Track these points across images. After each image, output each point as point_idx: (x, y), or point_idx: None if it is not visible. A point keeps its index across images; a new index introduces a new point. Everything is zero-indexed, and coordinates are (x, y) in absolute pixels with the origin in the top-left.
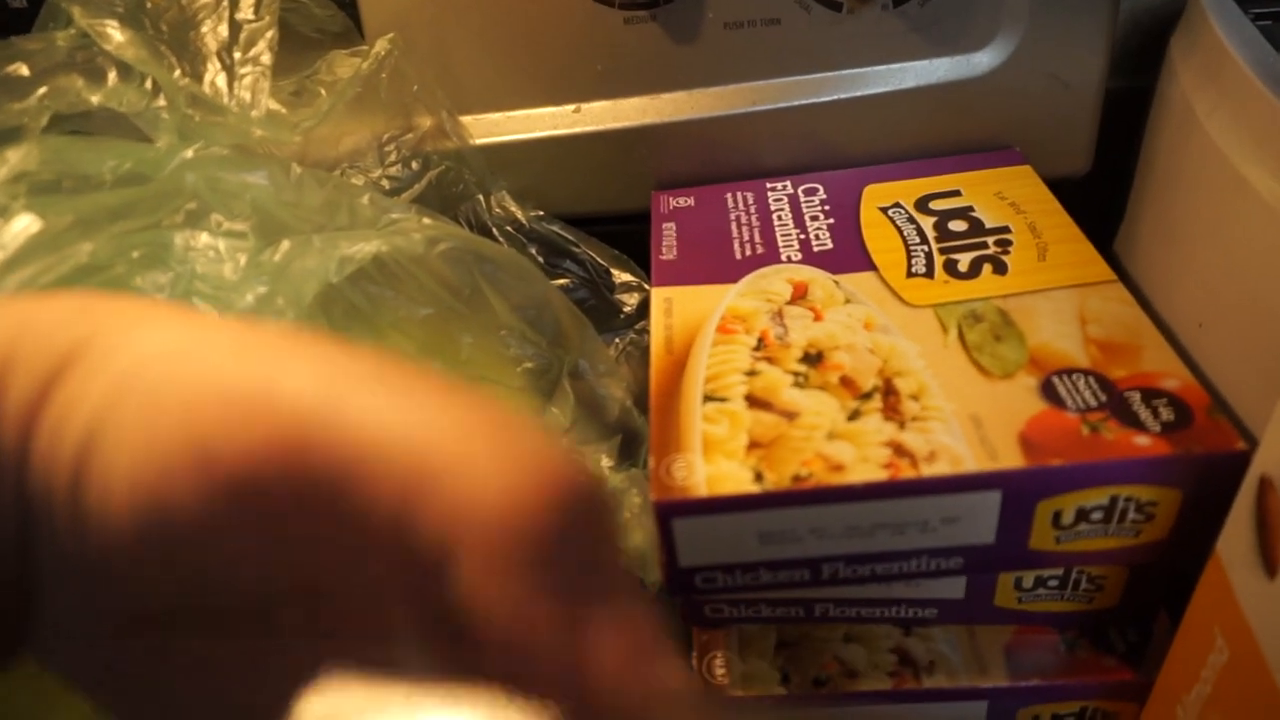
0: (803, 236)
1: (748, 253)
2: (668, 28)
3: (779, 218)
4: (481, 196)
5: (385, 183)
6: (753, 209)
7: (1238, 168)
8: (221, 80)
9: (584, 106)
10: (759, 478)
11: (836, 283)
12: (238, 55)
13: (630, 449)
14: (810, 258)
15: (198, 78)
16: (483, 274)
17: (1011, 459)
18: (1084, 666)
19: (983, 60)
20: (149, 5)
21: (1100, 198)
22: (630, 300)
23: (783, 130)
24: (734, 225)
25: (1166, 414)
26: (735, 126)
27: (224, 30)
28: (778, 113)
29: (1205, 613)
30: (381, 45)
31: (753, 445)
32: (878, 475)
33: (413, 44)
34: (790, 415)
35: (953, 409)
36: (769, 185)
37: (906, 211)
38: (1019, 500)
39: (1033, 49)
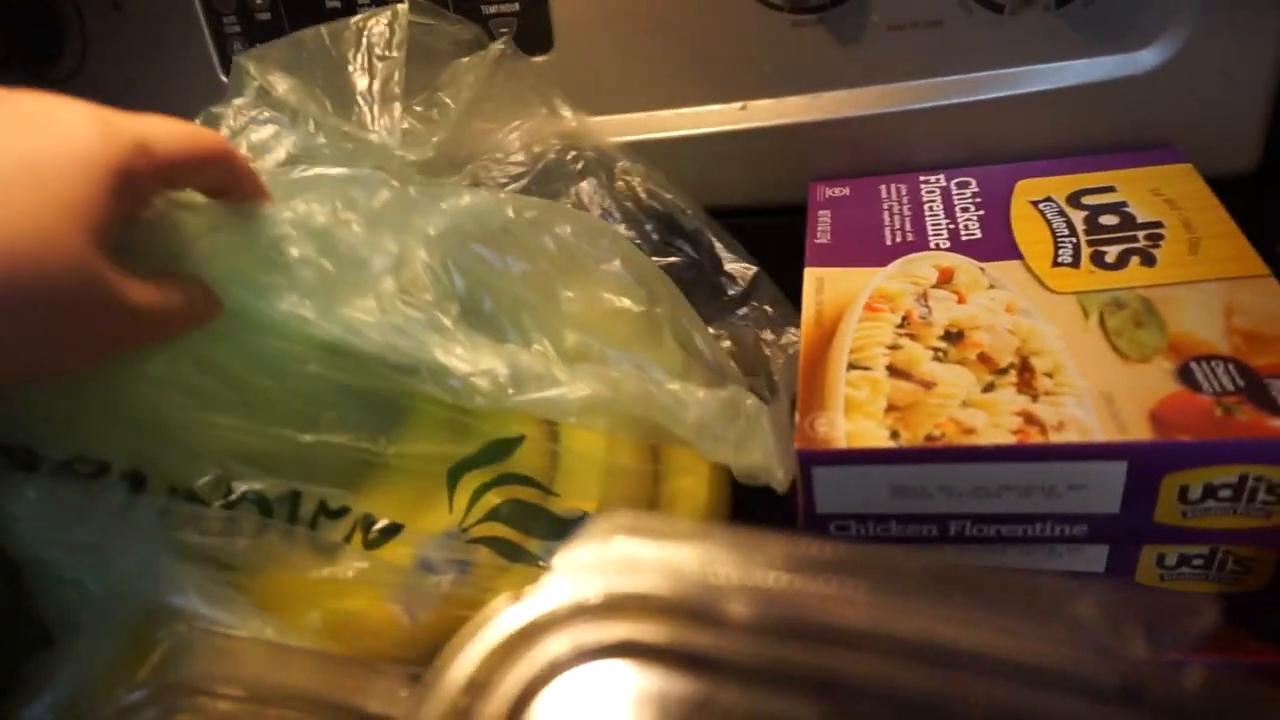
0: (952, 226)
1: (898, 240)
2: (834, 30)
3: (930, 209)
4: (603, 173)
5: (510, 168)
6: (905, 200)
7: None
8: (365, 114)
9: (750, 104)
10: (894, 435)
11: (982, 269)
12: (376, 89)
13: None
14: (958, 246)
15: (346, 114)
16: (565, 235)
17: (1139, 432)
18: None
19: (1147, 58)
20: (304, 55)
21: (1267, 193)
22: (733, 286)
23: (940, 128)
24: (886, 214)
25: None
26: (894, 124)
27: (364, 70)
28: (936, 111)
29: None
30: (494, 49)
31: (890, 408)
32: (1006, 439)
33: (597, 46)
34: (928, 385)
35: (1086, 386)
36: (922, 178)
37: (1058, 205)
38: (1145, 472)
39: (1201, 45)
